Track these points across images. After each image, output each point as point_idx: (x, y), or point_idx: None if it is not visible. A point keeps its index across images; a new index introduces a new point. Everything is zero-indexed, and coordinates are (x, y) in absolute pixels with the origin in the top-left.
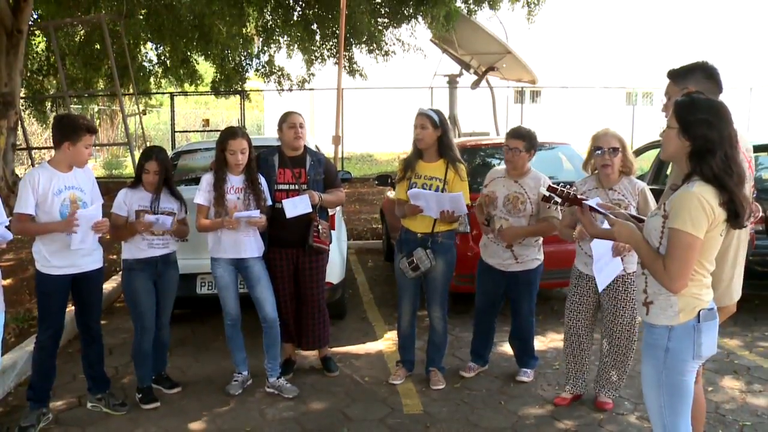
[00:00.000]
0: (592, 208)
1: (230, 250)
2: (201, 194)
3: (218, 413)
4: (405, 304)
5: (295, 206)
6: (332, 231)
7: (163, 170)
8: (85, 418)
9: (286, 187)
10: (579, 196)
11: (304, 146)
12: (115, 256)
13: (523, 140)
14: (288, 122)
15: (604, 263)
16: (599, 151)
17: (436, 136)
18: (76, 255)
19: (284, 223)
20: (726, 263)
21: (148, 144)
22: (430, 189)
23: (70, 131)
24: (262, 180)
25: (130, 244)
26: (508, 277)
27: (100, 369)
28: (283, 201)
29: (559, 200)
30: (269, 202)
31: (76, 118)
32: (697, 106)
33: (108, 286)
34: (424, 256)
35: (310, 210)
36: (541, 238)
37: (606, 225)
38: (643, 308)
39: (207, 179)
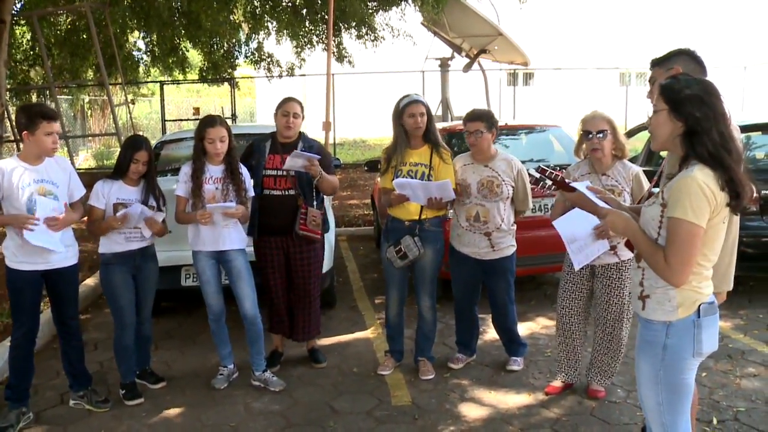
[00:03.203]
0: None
1: (210, 243)
2: (180, 185)
3: (203, 408)
4: (392, 293)
5: (298, 157)
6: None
7: (150, 160)
8: (67, 417)
9: (273, 172)
10: (568, 181)
11: (300, 132)
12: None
13: (482, 120)
14: (283, 109)
15: (581, 245)
16: (588, 135)
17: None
18: (40, 249)
19: (273, 210)
20: (726, 249)
21: (141, 134)
22: (415, 175)
23: (26, 120)
24: (244, 170)
25: (107, 237)
26: (484, 266)
27: (81, 365)
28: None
29: (549, 182)
30: (251, 193)
31: (32, 106)
32: (684, 84)
33: (93, 279)
34: (412, 243)
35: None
36: (515, 225)
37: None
38: (639, 302)
39: (185, 170)
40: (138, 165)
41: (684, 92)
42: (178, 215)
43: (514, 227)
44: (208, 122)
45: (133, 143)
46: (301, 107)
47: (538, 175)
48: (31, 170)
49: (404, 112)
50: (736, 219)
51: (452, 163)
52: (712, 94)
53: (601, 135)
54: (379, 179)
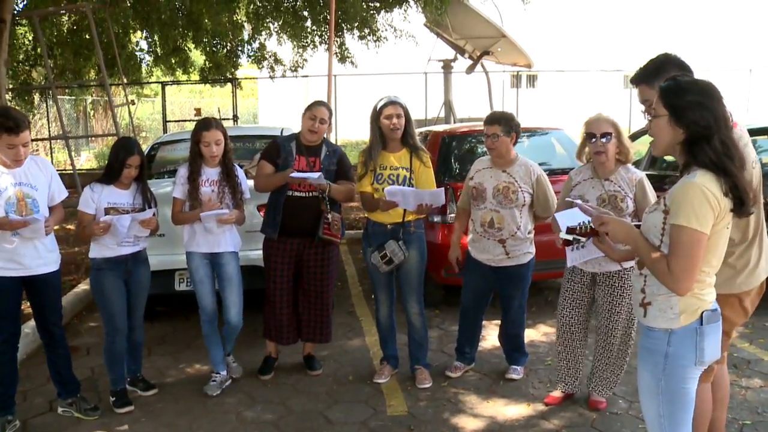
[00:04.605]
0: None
1: (204, 245)
2: (177, 187)
3: (194, 416)
4: (381, 296)
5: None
6: None
7: (142, 163)
8: (55, 425)
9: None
10: (596, 228)
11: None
12: None
13: (500, 124)
14: (311, 112)
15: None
16: (592, 138)
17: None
18: (20, 256)
19: (296, 212)
20: (744, 243)
21: (144, 135)
22: (397, 179)
23: None
24: (240, 172)
25: (98, 242)
26: (499, 273)
27: (68, 373)
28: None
29: (583, 240)
30: (247, 195)
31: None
32: (685, 88)
33: (87, 282)
34: (397, 248)
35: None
36: (533, 231)
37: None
38: (640, 309)
39: (182, 172)
40: (131, 170)
41: (685, 98)
42: (174, 216)
43: (531, 234)
44: (204, 125)
45: (125, 147)
46: (330, 114)
47: (571, 238)
48: (8, 174)
49: (381, 113)
50: (757, 213)
51: (431, 166)
52: (714, 98)
53: (605, 138)
54: (356, 183)
